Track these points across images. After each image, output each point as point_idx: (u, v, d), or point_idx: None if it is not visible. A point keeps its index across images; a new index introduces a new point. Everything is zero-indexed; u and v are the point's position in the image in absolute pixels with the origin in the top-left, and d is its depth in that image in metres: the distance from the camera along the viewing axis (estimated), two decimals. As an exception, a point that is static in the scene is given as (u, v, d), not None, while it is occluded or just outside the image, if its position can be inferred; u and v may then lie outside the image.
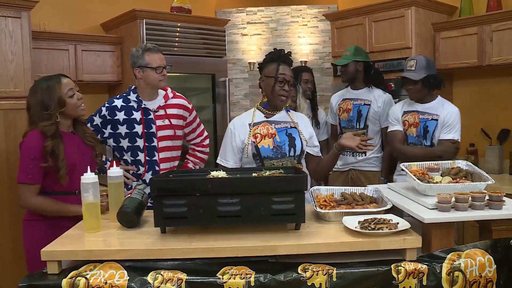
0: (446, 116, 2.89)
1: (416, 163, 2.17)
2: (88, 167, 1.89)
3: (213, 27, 4.37)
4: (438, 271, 1.64)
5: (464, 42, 3.63)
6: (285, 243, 1.65)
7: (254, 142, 2.37)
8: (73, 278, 1.57)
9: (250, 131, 2.40)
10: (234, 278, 1.57)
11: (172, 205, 1.72)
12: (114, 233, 1.83)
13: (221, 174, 1.95)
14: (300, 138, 2.41)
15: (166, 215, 1.73)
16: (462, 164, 2.16)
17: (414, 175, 1.99)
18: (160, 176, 2.20)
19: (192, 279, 1.57)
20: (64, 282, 1.56)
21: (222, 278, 1.57)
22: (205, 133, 2.94)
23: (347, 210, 1.89)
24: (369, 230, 1.68)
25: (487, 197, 1.79)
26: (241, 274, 1.58)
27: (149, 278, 1.57)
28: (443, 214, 1.72)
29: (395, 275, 1.61)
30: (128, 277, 1.57)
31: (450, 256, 1.67)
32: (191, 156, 2.91)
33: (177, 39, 4.11)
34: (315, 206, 1.94)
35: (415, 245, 1.66)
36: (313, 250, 1.65)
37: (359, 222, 1.75)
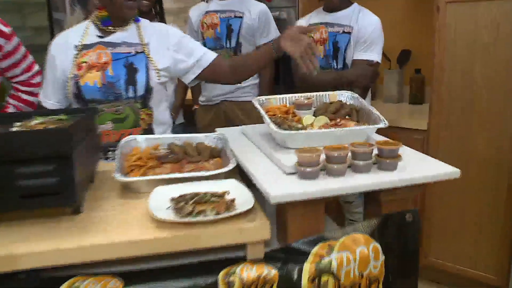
0: (362, 28, 2.16)
1: (277, 96, 1.45)
2: None
3: None
4: (295, 277, 1.00)
5: None
6: (27, 249, 0.91)
7: (76, 76, 1.55)
8: None
9: (75, 58, 1.58)
10: None
11: None
12: None
13: None
14: (147, 69, 1.57)
15: None
16: (345, 96, 1.49)
17: (271, 117, 1.29)
18: None
19: None
20: None
21: None
22: (35, 68, 2.05)
23: (163, 177, 1.17)
24: (180, 215, 0.98)
25: (375, 151, 1.14)
26: None
27: None
28: (304, 185, 1.06)
29: (223, 292, 0.95)
30: None
31: (317, 250, 1.03)
32: (14, 99, 2.03)
33: None
34: (118, 169, 1.21)
35: (258, 237, 0.99)
36: (72, 259, 0.92)
37: (173, 199, 1.05)
